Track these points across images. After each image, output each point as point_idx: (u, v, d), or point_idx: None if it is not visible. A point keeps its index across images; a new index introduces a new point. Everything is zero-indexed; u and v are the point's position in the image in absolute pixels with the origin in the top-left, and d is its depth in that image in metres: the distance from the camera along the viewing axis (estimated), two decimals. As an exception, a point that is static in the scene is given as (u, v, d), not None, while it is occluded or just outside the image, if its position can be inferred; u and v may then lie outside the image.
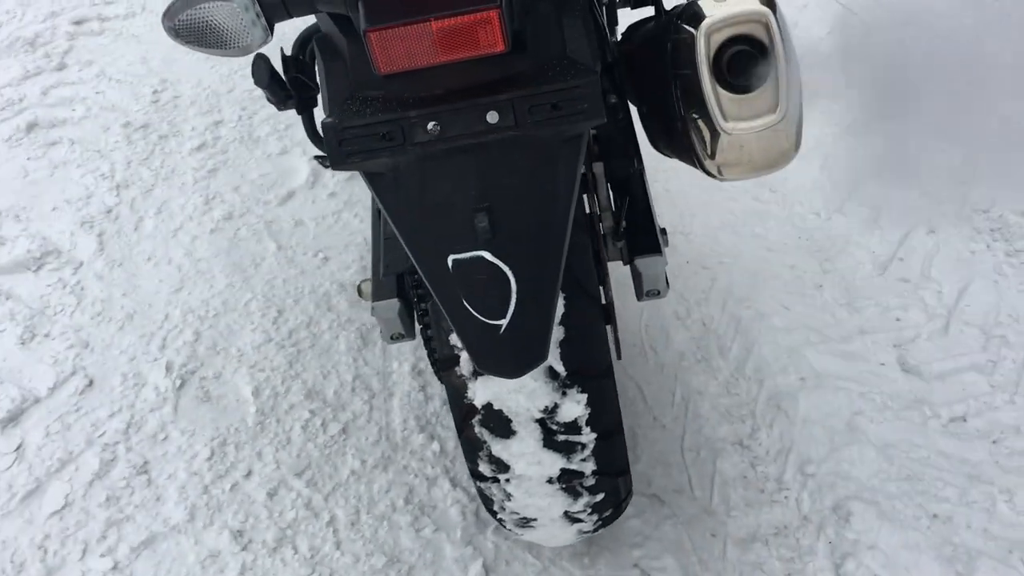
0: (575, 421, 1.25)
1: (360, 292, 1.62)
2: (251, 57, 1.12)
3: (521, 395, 1.23)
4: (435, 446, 1.85)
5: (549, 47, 0.99)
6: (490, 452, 1.29)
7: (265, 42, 1.01)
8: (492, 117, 0.98)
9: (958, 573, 1.65)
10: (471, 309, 1.06)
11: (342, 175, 2.43)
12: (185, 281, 2.19)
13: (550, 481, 1.31)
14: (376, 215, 1.65)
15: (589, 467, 1.30)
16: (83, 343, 2.06)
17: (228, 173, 2.47)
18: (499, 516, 1.42)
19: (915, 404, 1.90)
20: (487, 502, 1.39)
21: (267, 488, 1.80)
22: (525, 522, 1.40)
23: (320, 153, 2.34)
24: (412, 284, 1.41)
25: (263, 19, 0.99)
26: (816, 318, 2.07)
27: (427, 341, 1.49)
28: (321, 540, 1.72)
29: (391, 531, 1.73)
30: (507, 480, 1.31)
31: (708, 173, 1.20)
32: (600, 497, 1.36)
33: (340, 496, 1.79)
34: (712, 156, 1.17)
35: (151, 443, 1.89)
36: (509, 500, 1.35)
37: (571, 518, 1.39)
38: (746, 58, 1.10)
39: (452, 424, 1.86)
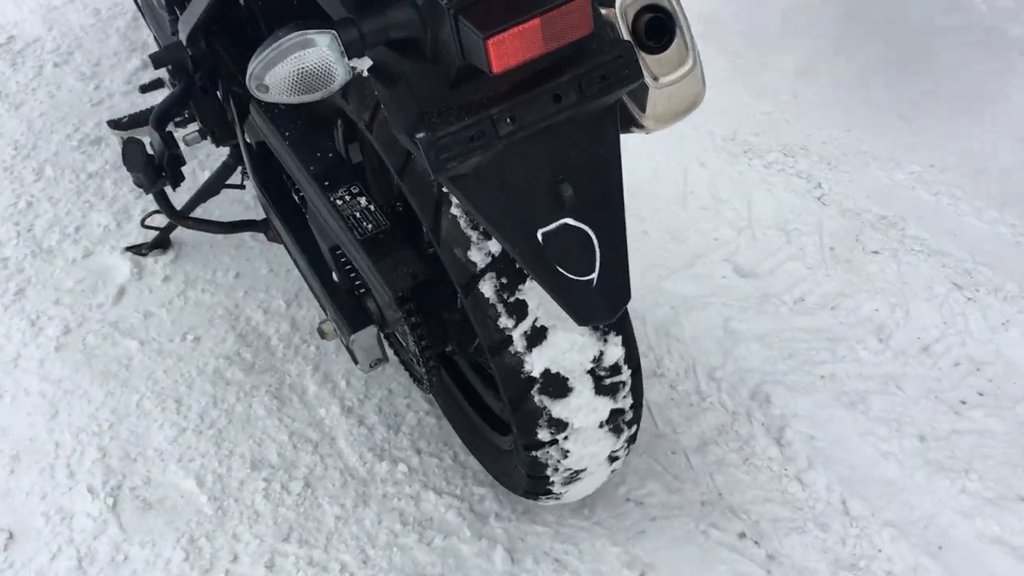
0: (616, 362, 1.41)
1: (323, 334, 1.66)
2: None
3: (573, 352, 1.37)
4: (401, 467, 1.91)
5: None
6: (550, 416, 1.41)
7: (347, 79, 1.08)
8: (559, 98, 1.12)
9: (860, 411, 1.99)
10: (565, 272, 1.19)
11: (166, 259, 2.37)
12: (58, 405, 2.06)
13: (601, 425, 1.46)
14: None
15: (628, 402, 1.46)
16: (-28, 502, 1.89)
17: (39, 290, 2.32)
18: (548, 482, 1.53)
19: (764, 299, 2.24)
20: (538, 469, 1.50)
21: (262, 563, 1.77)
22: (574, 476, 1.53)
23: (136, 244, 2.29)
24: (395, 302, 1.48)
25: (345, 57, 1.05)
26: (657, 256, 2.35)
27: (422, 351, 1.57)
28: (340, 588, 1.74)
29: (404, 554, 1.78)
30: (565, 438, 1.44)
31: (641, 128, 1.40)
32: (633, 429, 1.52)
33: (338, 543, 1.80)
34: (645, 111, 1.38)
35: (113, 568, 1.78)
36: (565, 458, 1.47)
37: (611, 458, 1.54)
38: (658, 23, 1.32)
39: (409, 444, 1.93)
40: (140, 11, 2.61)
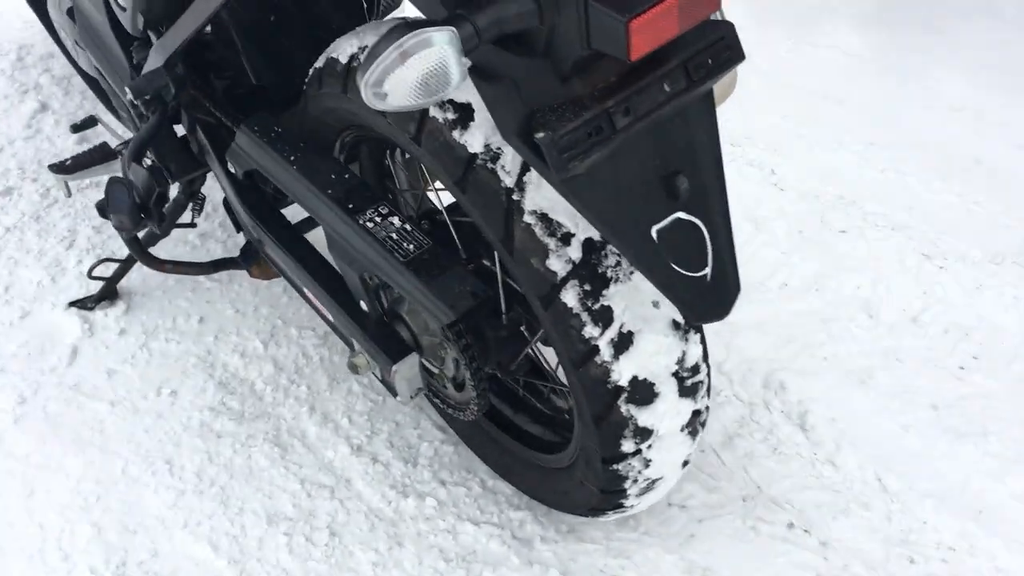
0: (697, 362, 1.36)
1: (355, 368, 1.56)
2: None
3: (660, 355, 1.31)
4: (429, 502, 1.81)
5: None
6: (636, 425, 1.34)
7: (462, 81, 0.98)
8: (668, 85, 1.06)
9: (871, 388, 2.00)
10: (679, 269, 1.13)
11: (117, 311, 2.19)
12: (31, 483, 1.85)
13: (682, 429, 1.40)
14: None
15: (705, 402, 1.41)
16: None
17: (-22, 360, 2.10)
18: (624, 495, 1.47)
19: (750, 287, 2.23)
20: (617, 482, 1.43)
21: (303, 623, 1.64)
22: (651, 486, 1.47)
23: (79, 298, 2.10)
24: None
25: (462, 55, 0.96)
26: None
27: (475, 373, 1.48)
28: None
29: (455, 592, 1.67)
30: (649, 446, 1.38)
31: None
32: (704, 430, 1.47)
33: (380, 591, 1.68)
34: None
35: (135, 653, 1.61)
36: (647, 467, 1.41)
37: (684, 462, 1.49)
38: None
39: (431, 476, 1.83)
40: (59, 43, 2.40)
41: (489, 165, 1.26)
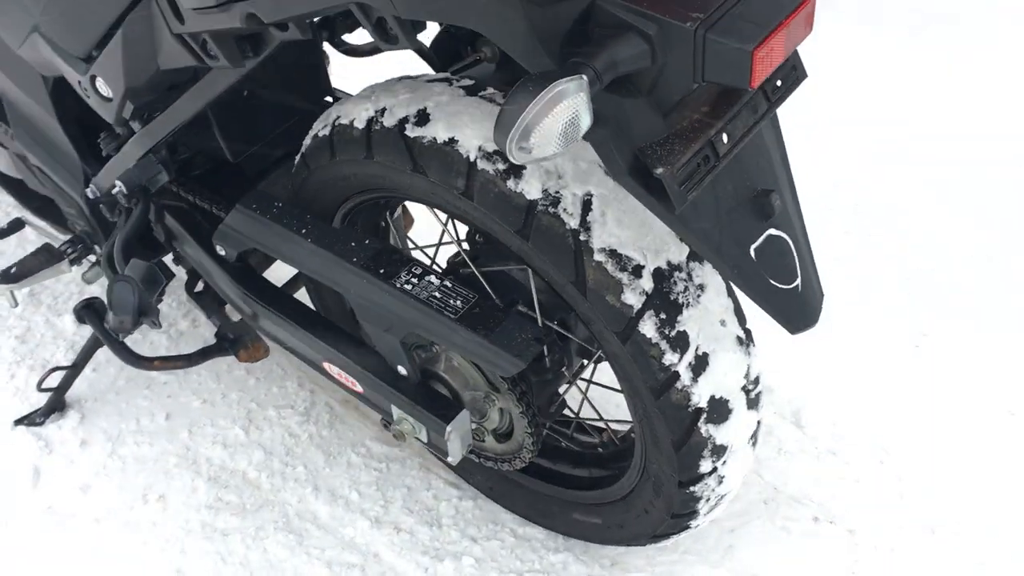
0: (758, 374, 1.40)
1: (401, 436, 1.52)
2: None
3: (731, 372, 1.35)
4: (467, 560, 1.78)
5: None
6: (714, 444, 1.37)
7: (589, 126, 0.99)
8: (755, 109, 1.10)
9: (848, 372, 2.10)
10: (775, 283, 1.17)
11: (71, 422, 2.04)
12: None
13: (748, 441, 1.44)
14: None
15: (763, 412, 1.46)
16: None
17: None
18: (693, 516, 1.49)
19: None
20: (691, 504, 1.45)
21: None
22: (720, 502, 1.49)
23: (24, 414, 1.95)
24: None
25: (591, 101, 0.97)
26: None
27: (532, 420, 1.47)
28: None
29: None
30: (724, 463, 1.41)
31: None
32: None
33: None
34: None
35: None
36: (720, 484, 1.44)
37: (744, 473, 1.52)
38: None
39: (459, 535, 1.80)
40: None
41: (551, 210, 1.26)
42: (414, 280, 1.43)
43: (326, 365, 1.60)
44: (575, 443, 1.74)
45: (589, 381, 1.66)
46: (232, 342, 1.79)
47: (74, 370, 2.06)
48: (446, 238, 1.65)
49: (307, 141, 1.52)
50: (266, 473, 1.94)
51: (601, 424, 1.68)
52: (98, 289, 2.21)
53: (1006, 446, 1.93)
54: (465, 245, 1.62)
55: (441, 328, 1.39)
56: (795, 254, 1.20)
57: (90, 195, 1.75)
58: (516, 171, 1.28)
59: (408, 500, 1.89)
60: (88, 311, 1.69)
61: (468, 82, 1.41)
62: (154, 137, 1.49)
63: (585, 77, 0.94)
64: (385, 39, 1.09)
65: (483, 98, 1.36)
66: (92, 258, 1.96)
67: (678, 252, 1.31)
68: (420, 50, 1.78)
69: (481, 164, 1.29)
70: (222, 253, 1.64)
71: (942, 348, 2.12)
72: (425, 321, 1.40)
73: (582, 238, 1.26)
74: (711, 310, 1.32)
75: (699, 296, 1.31)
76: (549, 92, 0.92)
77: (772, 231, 1.17)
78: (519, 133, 0.93)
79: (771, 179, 1.16)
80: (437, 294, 1.41)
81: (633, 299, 1.27)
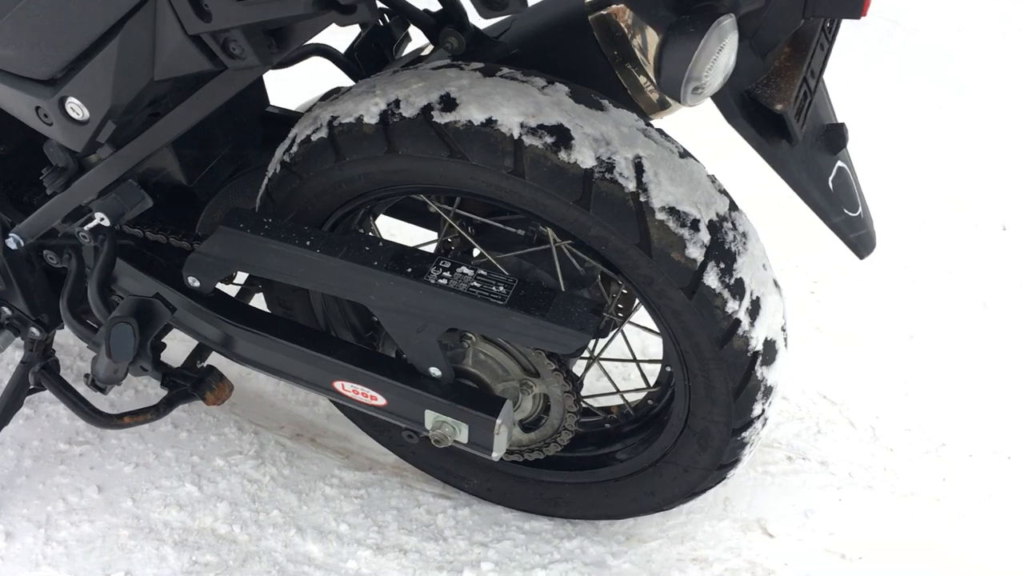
0: (784, 313, 1.47)
1: (442, 440, 1.48)
2: None
3: (776, 313, 1.40)
4: (486, 566, 1.73)
5: None
6: (765, 386, 1.42)
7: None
8: (823, 44, 1.16)
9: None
10: (848, 212, 1.24)
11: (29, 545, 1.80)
12: None
13: (783, 380, 1.50)
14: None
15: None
16: None
17: None
18: (736, 465, 1.53)
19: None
20: (739, 451, 1.49)
21: None
22: (756, 445, 1.54)
23: None
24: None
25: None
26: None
27: (577, 400, 1.47)
28: None
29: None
30: (770, 404, 1.46)
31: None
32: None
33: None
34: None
35: None
36: (764, 426, 1.49)
37: (766, 416, 1.59)
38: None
39: (467, 545, 1.76)
40: None
41: (608, 176, 1.27)
42: (447, 274, 1.38)
43: (337, 385, 1.50)
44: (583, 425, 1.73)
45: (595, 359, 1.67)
46: (196, 385, 1.63)
47: (-24, 457, 1.80)
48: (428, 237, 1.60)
49: (293, 149, 1.43)
50: (238, 525, 1.79)
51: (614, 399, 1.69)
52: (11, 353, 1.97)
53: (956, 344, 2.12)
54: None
55: (491, 317, 1.35)
56: (855, 183, 1.27)
57: (12, 245, 1.55)
58: (565, 142, 1.27)
59: (402, 520, 1.81)
60: (47, 373, 1.49)
61: (478, 64, 1.38)
62: (131, 160, 1.35)
63: (732, 15, 0.96)
64: (490, 5, 1.05)
65: (505, 77, 1.34)
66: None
67: (722, 204, 1.35)
68: (336, 58, 1.73)
69: (528, 140, 1.27)
70: (194, 285, 1.50)
71: (841, 289, 2.30)
72: (471, 313, 1.35)
73: (642, 199, 1.27)
74: (755, 255, 1.37)
75: (745, 243, 1.36)
76: (714, 29, 0.93)
77: (839, 163, 1.24)
78: (692, 73, 0.93)
79: (833, 113, 1.23)
80: (476, 284, 1.37)
81: (696, 252, 1.29)
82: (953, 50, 3.04)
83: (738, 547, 1.76)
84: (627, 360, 1.68)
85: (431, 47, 1.64)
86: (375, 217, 1.63)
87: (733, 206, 1.36)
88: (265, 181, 1.50)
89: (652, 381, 1.70)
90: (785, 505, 1.85)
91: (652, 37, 1.47)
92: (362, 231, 1.62)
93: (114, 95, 1.23)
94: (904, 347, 2.15)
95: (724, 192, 1.36)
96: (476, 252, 1.61)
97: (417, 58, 1.64)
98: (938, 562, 1.73)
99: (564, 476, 1.70)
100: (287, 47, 1.19)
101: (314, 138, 1.40)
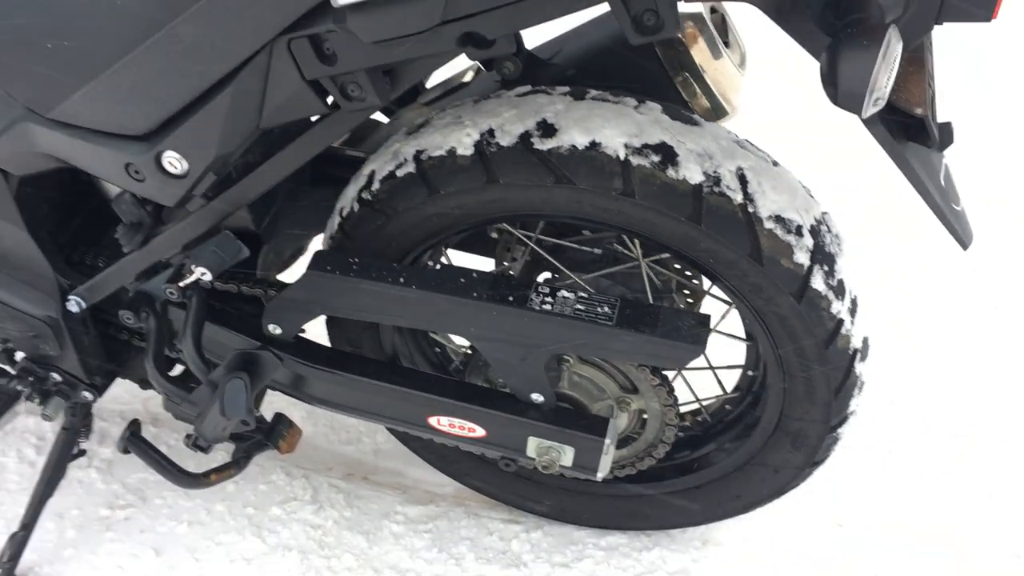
0: None
1: (550, 466, 1.47)
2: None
3: (863, 309, 1.44)
4: (573, 586, 1.72)
5: None
6: (860, 381, 1.46)
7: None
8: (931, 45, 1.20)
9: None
10: (955, 206, 1.27)
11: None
12: None
13: (866, 373, 1.54)
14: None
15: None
16: None
17: None
18: (824, 462, 1.56)
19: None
20: (831, 447, 1.53)
21: None
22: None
23: None
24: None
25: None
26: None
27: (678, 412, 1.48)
28: None
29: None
30: (861, 398, 1.50)
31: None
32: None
33: None
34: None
35: None
36: (855, 420, 1.53)
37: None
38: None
39: (549, 567, 1.75)
40: None
41: (716, 189, 1.28)
42: (549, 299, 1.37)
43: (432, 420, 1.48)
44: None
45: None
46: (268, 433, 1.59)
47: (25, 533, 1.71)
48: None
49: (374, 187, 1.40)
50: (312, 574, 1.74)
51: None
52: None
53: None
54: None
55: (600, 338, 1.34)
56: (952, 174, 1.31)
57: (74, 308, 1.48)
58: (671, 159, 1.28)
59: (477, 550, 1.79)
60: (136, 440, 1.43)
61: (564, 88, 1.38)
62: (224, 210, 1.30)
63: (896, 26, 0.99)
64: (642, 31, 1.05)
65: (596, 100, 1.35)
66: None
67: (817, 208, 1.38)
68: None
69: (635, 160, 1.28)
70: (275, 332, 1.46)
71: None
72: (580, 336, 1.35)
73: (750, 210, 1.29)
74: (846, 256, 1.40)
75: (839, 245, 1.39)
76: (887, 40, 0.95)
77: (944, 157, 1.28)
78: (874, 85, 0.95)
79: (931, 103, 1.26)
80: (580, 306, 1.36)
81: (803, 258, 1.32)
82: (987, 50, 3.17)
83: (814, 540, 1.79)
84: (703, 368, 1.70)
85: (470, 73, 1.63)
86: (447, 248, 1.61)
87: (825, 209, 1.39)
88: (337, 220, 1.46)
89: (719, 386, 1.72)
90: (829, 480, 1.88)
91: (703, 49, 1.50)
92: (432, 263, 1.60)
93: (219, 146, 1.19)
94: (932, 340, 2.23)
95: (814, 197, 1.39)
96: (542, 276, 1.61)
97: (460, 84, 1.62)
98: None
99: (644, 488, 1.71)
100: (402, 85, 1.17)
101: (400, 173, 1.37)
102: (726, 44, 1.54)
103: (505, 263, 1.67)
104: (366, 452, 1.99)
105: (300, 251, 1.76)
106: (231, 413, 1.33)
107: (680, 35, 1.48)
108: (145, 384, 1.71)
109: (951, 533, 1.83)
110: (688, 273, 1.63)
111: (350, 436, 2.02)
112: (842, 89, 0.97)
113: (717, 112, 1.53)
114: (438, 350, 1.76)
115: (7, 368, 1.67)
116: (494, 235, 1.66)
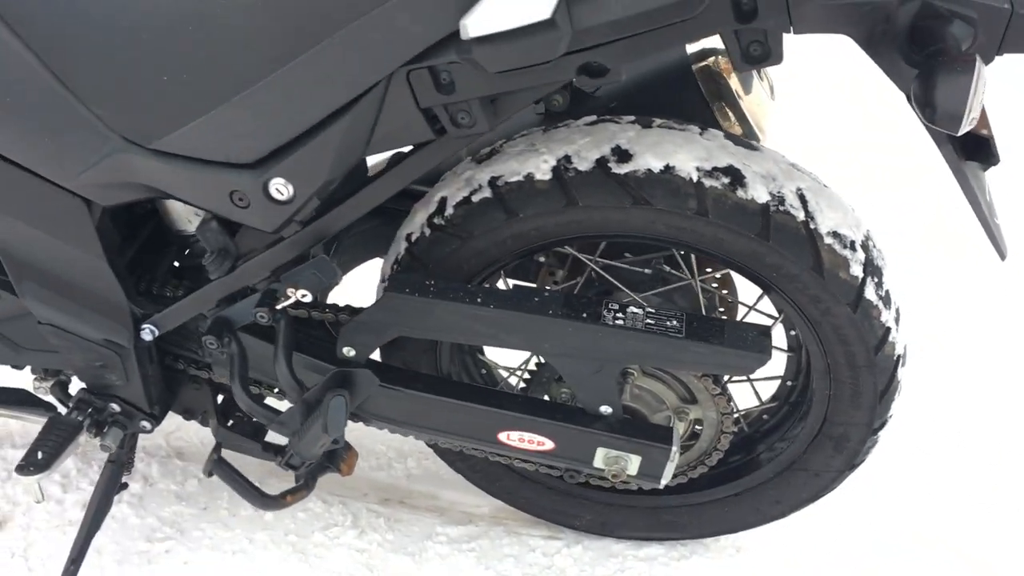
0: None
1: (617, 474, 1.54)
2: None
3: (905, 318, 1.56)
4: (621, 596, 1.78)
5: None
6: (900, 386, 1.57)
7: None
8: None
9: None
10: (996, 220, 1.40)
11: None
12: None
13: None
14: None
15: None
16: None
17: None
18: (861, 464, 1.67)
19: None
20: (870, 449, 1.63)
21: None
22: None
23: None
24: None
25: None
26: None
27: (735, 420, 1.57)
28: None
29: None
30: (899, 402, 1.61)
31: None
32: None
33: None
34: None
35: None
36: (892, 418, 1.64)
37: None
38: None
39: (599, 573, 1.82)
40: None
41: (781, 208, 1.38)
42: (620, 315, 1.45)
43: (502, 436, 1.54)
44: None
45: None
46: (330, 456, 1.62)
47: (75, 568, 1.70)
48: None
49: (447, 212, 1.46)
50: (363, 602, 1.77)
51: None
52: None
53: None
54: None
55: (671, 350, 1.43)
56: (989, 188, 1.43)
57: (148, 337, 1.50)
58: (739, 181, 1.38)
59: (522, 566, 1.84)
60: (221, 464, 1.44)
61: (631, 117, 1.47)
62: (321, 234, 1.35)
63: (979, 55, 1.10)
64: (749, 60, 1.14)
65: (664, 127, 1.44)
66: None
67: (864, 224, 1.49)
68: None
69: (707, 182, 1.37)
70: (349, 355, 1.50)
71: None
72: (652, 348, 1.43)
73: (812, 226, 1.39)
74: (890, 268, 1.52)
75: (884, 258, 1.51)
76: (979, 65, 1.07)
77: (984, 170, 1.40)
78: (972, 105, 1.06)
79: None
80: (650, 321, 1.44)
81: (857, 270, 1.43)
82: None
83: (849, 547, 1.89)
84: (742, 380, 1.79)
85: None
86: (506, 270, 1.67)
87: (870, 225, 1.51)
88: (404, 246, 1.52)
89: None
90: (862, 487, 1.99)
91: (739, 81, 1.61)
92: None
93: (328, 173, 1.24)
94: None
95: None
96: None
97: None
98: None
99: (690, 496, 1.78)
100: (506, 112, 1.24)
101: (475, 199, 1.44)
102: (758, 76, 1.65)
103: (547, 287, 1.74)
104: (398, 477, 2.03)
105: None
106: (333, 430, 1.36)
107: (719, 68, 1.59)
108: (188, 415, 1.73)
109: (988, 546, 1.93)
110: (725, 292, 1.72)
111: (380, 463, 2.05)
112: (941, 110, 1.07)
113: (750, 138, 1.64)
114: (484, 371, 1.81)
115: (56, 401, 1.67)
116: (541, 259, 1.73)
